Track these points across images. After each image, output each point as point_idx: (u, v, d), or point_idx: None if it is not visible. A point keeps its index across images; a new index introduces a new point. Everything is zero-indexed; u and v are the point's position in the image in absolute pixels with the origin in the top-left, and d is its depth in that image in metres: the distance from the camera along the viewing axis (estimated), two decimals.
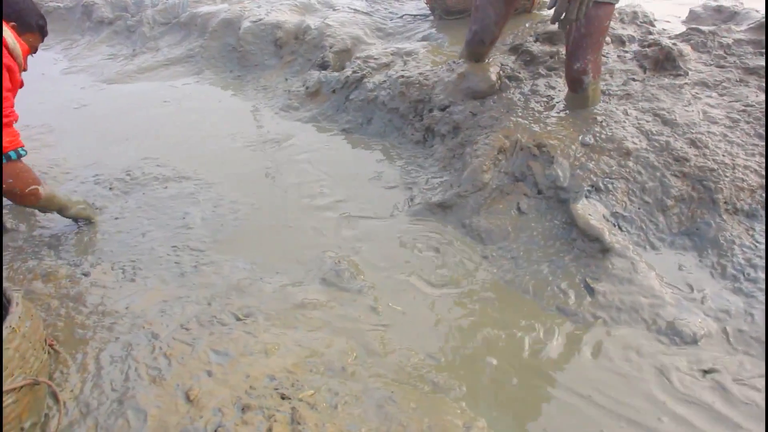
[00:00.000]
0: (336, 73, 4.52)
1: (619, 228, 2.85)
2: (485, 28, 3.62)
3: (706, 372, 2.27)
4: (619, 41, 4.05)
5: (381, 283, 2.78)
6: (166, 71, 5.89)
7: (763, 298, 2.55)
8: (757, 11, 4.22)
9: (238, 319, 2.57)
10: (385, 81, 4.14)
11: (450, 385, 2.28)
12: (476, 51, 3.77)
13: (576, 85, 3.31)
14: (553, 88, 3.61)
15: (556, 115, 3.36)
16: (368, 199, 3.38)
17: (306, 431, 2.03)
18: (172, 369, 2.32)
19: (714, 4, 4.53)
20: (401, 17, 5.19)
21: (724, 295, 2.60)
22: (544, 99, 3.53)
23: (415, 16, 5.29)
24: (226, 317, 2.58)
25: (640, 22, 4.35)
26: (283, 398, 2.17)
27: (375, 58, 4.46)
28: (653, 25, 4.37)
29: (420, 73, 4.05)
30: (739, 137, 3.15)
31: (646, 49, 3.85)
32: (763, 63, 3.62)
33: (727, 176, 2.95)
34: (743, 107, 3.33)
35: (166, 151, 4.18)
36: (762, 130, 3.18)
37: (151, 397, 2.19)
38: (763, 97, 3.41)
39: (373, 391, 2.22)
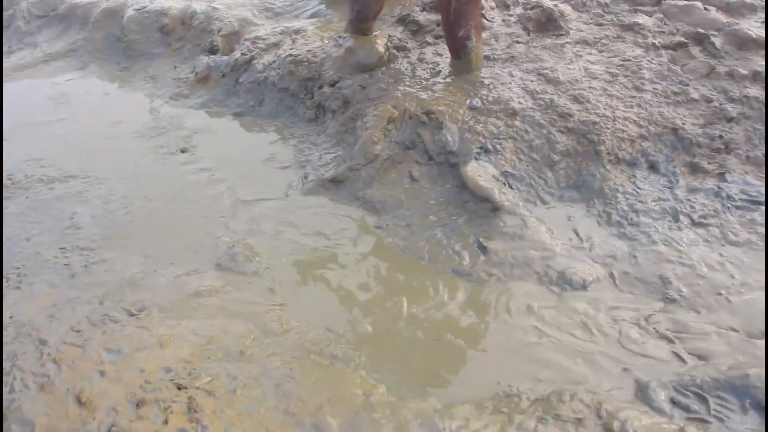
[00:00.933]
0: (225, 57, 4.45)
1: (510, 186, 2.94)
2: (366, 5, 3.66)
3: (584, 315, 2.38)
4: (504, 5, 4.15)
5: (277, 263, 2.78)
6: (47, 67, 5.66)
7: (645, 239, 2.69)
8: None
9: (132, 315, 2.52)
10: (274, 61, 4.11)
11: (350, 356, 2.31)
12: (361, 27, 3.79)
13: (460, 51, 3.38)
14: (440, 55, 3.67)
15: (443, 81, 3.42)
16: (262, 181, 3.37)
17: (203, 418, 2.02)
18: (62, 374, 2.25)
19: None
20: None
21: (610, 241, 2.72)
22: (431, 66, 3.59)
23: None
24: (119, 314, 2.53)
25: None
26: (179, 388, 2.15)
27: (263, 39, 4.41)
28: None
29: (308, 51, 4.04)
30: (618, 91, 3.28)
31: (529, 11, 3.96)
32: (638, 19, 3.77)
33: (608, 128, 3.08)
34: (621, 62, 3.47)
35: (51, 151, 4.03)
36: (639, 82, 3.33)
37: (39, 406, 2.13)
38: (639, 51, 3.56)
39: (271, 371, 2.23)
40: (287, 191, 3.27)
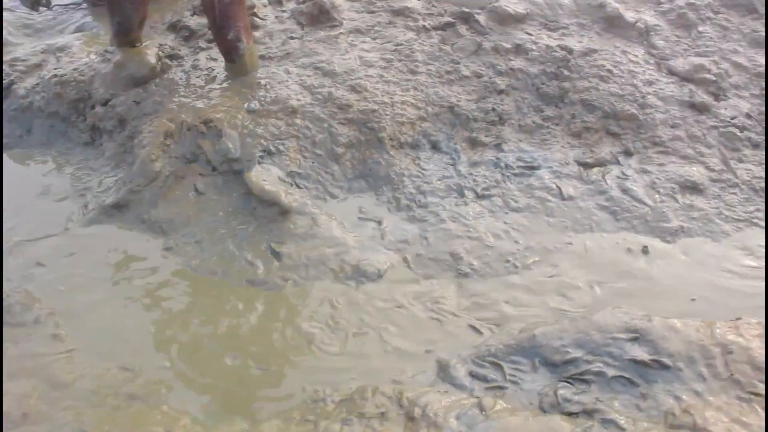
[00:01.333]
0: None
1: (297, 186, 2.93)
2: (126, 16, 3.48)
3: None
4: (277, 2, 4.11)
5: (62, 305, 2.58)
6: None
7: (434, 219, 2.78)
8: None
9: None
10: (38, 84, 3.82)
11: (149, 392, 2.21)
12: (127, 39, 3.61)
13: (233, 54, 3.31)
14: (215, 60, 3.57)
15: (219, 87, 3.34)
16: (38, 218, 3.11)
17: None
18: None
19: None
20: (51, 8, 4.78)
21: (401, 225, 2.79)
22: (206, 73, 3.49)
23: (66, 6, 4.91)
24: None
25: None
26: None
27: (23, 60, 4.08)
28: None
29: (75, 69, 3.79)
30: (394, 76, 3.37)
31: (302, 5, 3.95)
32: (407, 4, 3.88)
33: (388, 114, 3.15)
34: (395, 47, 3.56)
35: None
36: (413, 66, 3.43)
37: None
38: (411, 35, 3.66)
39: (61, 429, 2.06)
40: (67, 225, 3.05)
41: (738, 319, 2.24)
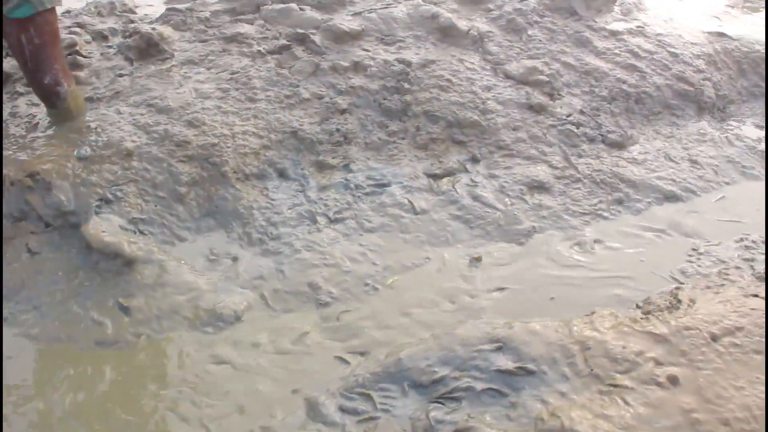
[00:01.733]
0: None
1: (141, 233, 2.78)
2: None
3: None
4: (101, 37, 3.92)
5: None
6: None
7: (288, 250, 2.72)
8: None
9: None
10: None
11: None
12: None
13: (54, 99, 3.10)
14: (36, 105, 3.35)
15: (43, 135, 3.12)
16: None
17: None
18: None
19: None
20: None
21: (255, 261, 2.71)
22: (27, 121, 3.26)
23: None
24: None
25: (120, 11, 4.27)
26: None
27: None
28: (134, 13, 4.32)
29: None
30: (232, 106, 3.28)
31: (129, 39, 3.79)
32: (240, 29, 3.81)
33: (229, 147, 3.06)
34: (231, 76, 3.48)
35: None
36: (251, 93, 3.36)
37: None
38: (246, 61, 3.59)
39: None
40: None
41: (592, 313, 2.33)
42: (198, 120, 3.16)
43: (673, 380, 1.98)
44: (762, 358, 2.07)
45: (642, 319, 2.27)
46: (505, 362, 2.09)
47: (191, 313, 2.51)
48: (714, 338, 2.12)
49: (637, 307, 2.45)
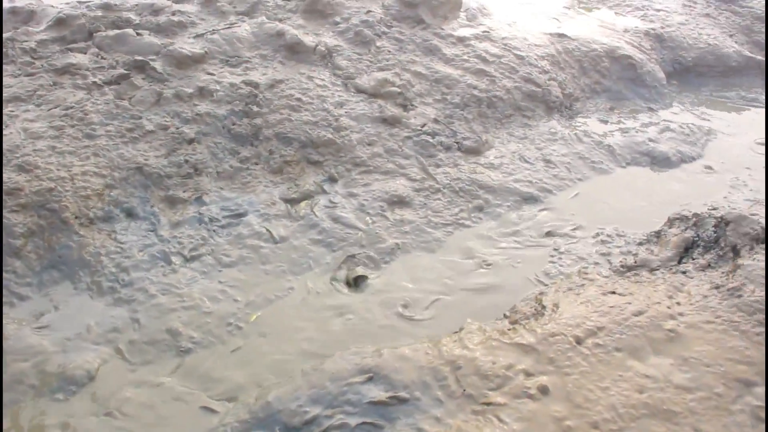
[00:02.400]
0: None
1: None
2: None
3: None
4: None
5: None
6: None
7: (143, 297, 2.59)
8: (53, 6, 4.16)
9: None
10: None
11: None
12: None
13: None
14: None
15: None
16: None
17: None
18: None
19: (8, 5, 4.33)
20: None
21: (107, 312, 2.56)
22: None
23: None
24: None
25: None
26: None
27: None
28: None
29: None
30: (68, 145, 3.10)
31: None
32: (72, 59, 3.60)
33: (68, 190, 2.88)
34: (65, 112, 3.28)
35: None
36: (89, 129, 3.18)
37: None
38: (81, 94, 3.40)
39: None
40: None
41: (461, 329, 2.35)
42: (30, 163, 2.95)
43: (544, 390, 2.03)
44: (622, 355, 2.16)
45: (510, 330, 2.31)
46: (377, 393, 2.07)
47: (38, 380, 2.32)
48: (578, 341, 2.20)
49: (505, 316, 2.50)
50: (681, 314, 2.36)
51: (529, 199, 3.31)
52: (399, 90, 3.68)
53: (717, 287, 2.51)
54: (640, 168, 3.81)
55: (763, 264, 2.56)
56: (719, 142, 4.22)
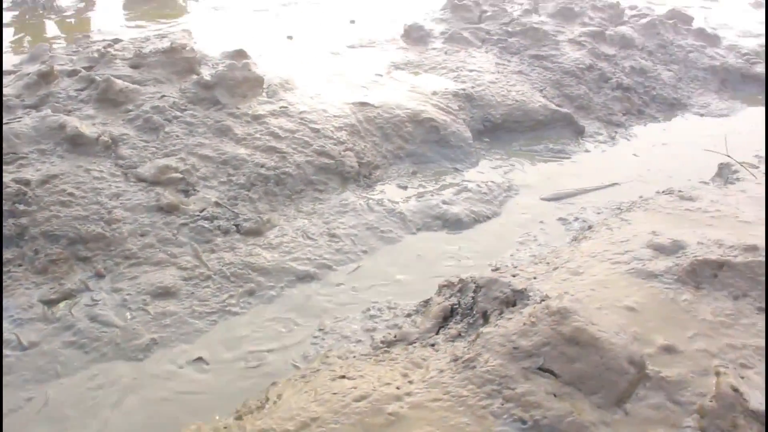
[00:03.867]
0: None
1: None
2: None
3: None
4: None
5: None
6: None
7: None
8: None
9: None
10: None
11: None
12: None
13: None
14: None
15: None
16: None
17: None
18: None
19: None
20: None
21: None
22: None
23: None
24: None
25: None
26: None
27: None
28: None
29: None
30: None
31: None
32: None
33: None
34: None
35: None
36: None
37: None
38: None
39: None
40: None
41: None
42: None
43: None
44: None
45: (233, 425, 2.35)
46: None
47: None
48: None
49: (237, 411, 2.53)
50: (409, 394, 2.38)
51: (305, 278, 3.40)
52: (181, 175, 3.77)
53: (455, 360, 2.56)
54: (431, 233, 3.97)
55: (502, 330, 2.68)
56: (519, 197, 4.45)
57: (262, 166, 3.99)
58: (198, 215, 3.61)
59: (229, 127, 4.20)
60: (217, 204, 3.71)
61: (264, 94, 4.61)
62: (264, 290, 3.30)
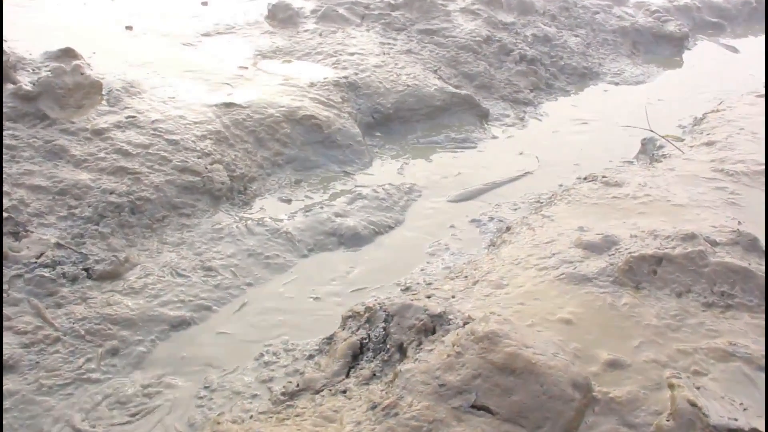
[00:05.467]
0: None
1: None
2: None
3: None
4: None
5: None
6: None
7: None
8: None
9: None
10: None
11: None
12: None
13: None
14: None
15: None
16: None
17: None
18: None
19: None
20: None
21: None
22: None
23: None
24: None
25: None
26: None
27: None
28: None
29: None
30: None
31: None
32: None
33: None
34: None
35: None
36: None
37: None
38: None
39: None
40: None
41: None
42: None
43: None
44: None
45: None
46: None
47: None
48: None
49: None
50: None
51: (180, 325, 3.23)
52: (7, 214, 3.51)
53: (374, 407, 2.47)
54: (326, 253, 3.88)
55: (424, 365, 2.61)
56: (423, 200, 4.43)
57: (112, 192, 3.77)
58: (35, 263, 3.36)
59: (64, 147, 3.95)
60: (58, 245, 3.47)
61: (105, 102, 4.37)
62: (130, 347, 3.11)
